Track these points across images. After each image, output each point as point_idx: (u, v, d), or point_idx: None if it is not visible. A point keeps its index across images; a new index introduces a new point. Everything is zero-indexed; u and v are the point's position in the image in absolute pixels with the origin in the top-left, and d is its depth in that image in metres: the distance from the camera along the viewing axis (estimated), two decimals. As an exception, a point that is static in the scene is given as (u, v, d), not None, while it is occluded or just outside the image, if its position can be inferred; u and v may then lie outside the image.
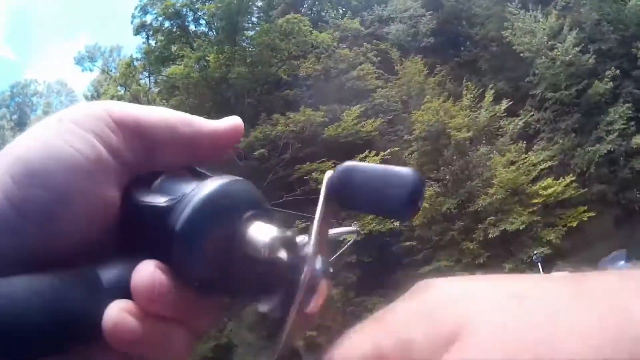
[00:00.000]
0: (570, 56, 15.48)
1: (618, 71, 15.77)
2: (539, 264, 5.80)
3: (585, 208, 15.03)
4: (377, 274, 14.27)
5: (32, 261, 0.29)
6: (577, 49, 15.45)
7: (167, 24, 17.03)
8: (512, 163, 14.67)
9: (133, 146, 0.33)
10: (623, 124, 15.44)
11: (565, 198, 14.82)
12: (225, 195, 0.33)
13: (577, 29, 15.87)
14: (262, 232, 0.33)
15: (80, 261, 0.31)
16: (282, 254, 0.34)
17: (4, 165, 0.30)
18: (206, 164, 0.37)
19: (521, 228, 13.73)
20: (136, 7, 17.25)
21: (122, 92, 19.87)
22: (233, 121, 0.39)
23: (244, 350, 14.23)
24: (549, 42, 16.09)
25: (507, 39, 16.61)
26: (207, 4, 17.00)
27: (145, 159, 0.34)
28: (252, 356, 14.01)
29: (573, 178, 14.92)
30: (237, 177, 0.35)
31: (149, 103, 18.63)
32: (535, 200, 14.40)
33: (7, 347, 0.26)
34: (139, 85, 18.82)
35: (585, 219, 14.98)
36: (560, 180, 14.84)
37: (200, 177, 0.35)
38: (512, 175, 14.18)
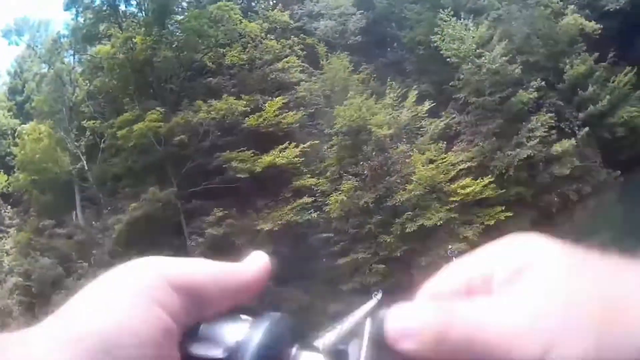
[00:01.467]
0: (497, 65, 16.51)
1: (543, 83, 17.07)
2: (454, 259, 5.82)
3: (503, 208, 15.99)
4: (294, 264, 14.44)
5: None
6: (504, 58, 16.51)
7: (97, 1, 16.77)
8: (432, 162, 15.41)
9: (188, 306, 0.37)
10: (545, 132, 16.65)
11: (483, 198, 15.71)
12: (276, 336, 0.37)
13: (507, 40, 16.97)
14: None
15: None
16: None
17: (74, 335, 0.33)
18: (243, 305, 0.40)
19: (439, 224, 14.39)
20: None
21: (46, 70, 19.55)
22: (264, 261, 0.42)
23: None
24: (477, 50, 17.09)
25: (435, 44, 17.49)
26: (139, -17, 16.90)
27: (195, 314, 0.38)
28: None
29: (492, 179, 15.86)
30: (275, 313, 0.39)
31: (71, 83, 18.25)
32: (453, 198, 15.16)
33: None
34: (63, 63, 18.46)
35: (503, 218, 15.93)
36: (478, 181, 15.73)
37: (236, 319, 0.38)
38: (431, 173, 14.89)
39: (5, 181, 22.02)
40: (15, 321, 16.80)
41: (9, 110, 26.08)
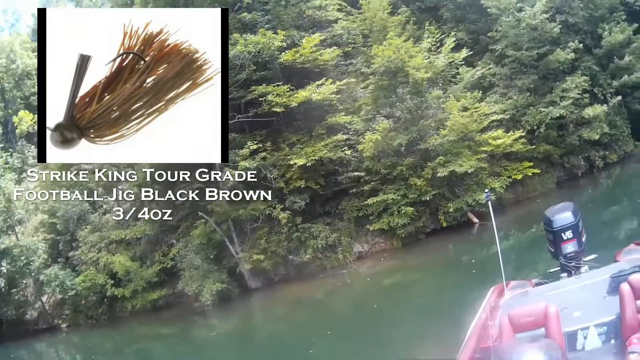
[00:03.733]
0: (536, 21, 16.31)
1: (581, 45, 16.87)
2: (489, 202, 5.83)
3: (531, 164, 16.09)
4: (324, 201, 14.71)
5: None
6: (544, 15, 16.33)
7: None
8: (466, 109, 15.41)
9: None
10: (578, 94, 16.58)
11: (512, 151, 15.83)
12: None
13: (548, -3, 16.65)
14: None
15: None
16: None
17: None
18: None
19: (469, 171, 14.50)
20: None
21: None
22: None
23: (190, 273, 14.30)
24: (518, 4, 16.83)
25: (475, -7, 17.18)
26: None
27: None
28: (198, 280, 14.09)
29: (522, 134, 15.89)
30: None
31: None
32: (484, 148, 15.29)
33: None
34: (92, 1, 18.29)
35: (530, 174, 16.09)
36: (510, 134, 15.74)
37: None
38: (465, 120, 14.96)
39: (31, 120, 22.35)
40: (40, 258, 17.16)
41: (33, 51, 26.20)
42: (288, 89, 14.19)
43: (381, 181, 14.43)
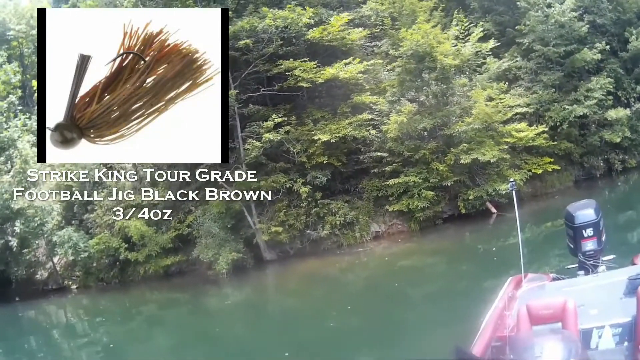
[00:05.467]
0: (565, 18, 16.48)
1: (608, 47, 17.07)
2: (514, 192, 5.80)
3: (552, 160, 16.33)
4: (344, 179, 15.00)
5: None
6: (573, 14, 16.48)
7: None
8: (491, 99, 15.64)
9: None
10: (602, 95, 16.77)
11: (534, 145, 16.04)
12: None
13: (578, -4, 16.82)
14: None
15: None
16: None
17: None
18: None
19: (491, 161, 14.72)
20: None
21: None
22: None
23: (207, 241, 14.57)
24: (547, 0, 17.02)
25: (505, -15, 17.41)
26: None
27: None
28: (214, 248, 14.35)
29: (545, 129, 16.12)
30: None
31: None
32: (506, 139, 15.51)
33: None
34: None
35: (550, 170, 16.31)
36: (533, 127, 15.99)
37: None
38: (490, 110, 15.18)
39: (49, 84, 22.74)
40: (54, 220, 17.45)
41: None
42: (315, 65, 14.44)
43: (403, 163, 14.67)
